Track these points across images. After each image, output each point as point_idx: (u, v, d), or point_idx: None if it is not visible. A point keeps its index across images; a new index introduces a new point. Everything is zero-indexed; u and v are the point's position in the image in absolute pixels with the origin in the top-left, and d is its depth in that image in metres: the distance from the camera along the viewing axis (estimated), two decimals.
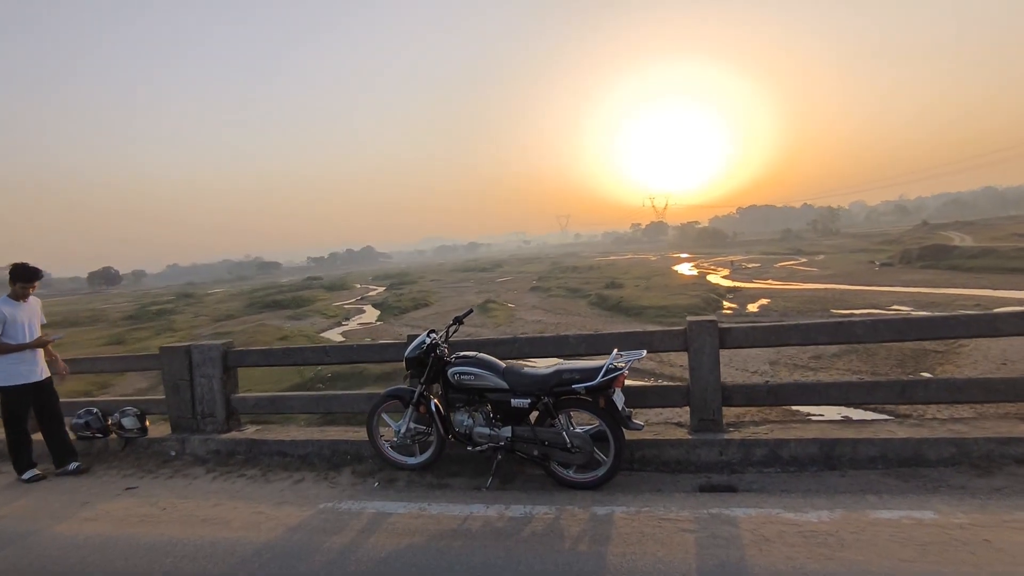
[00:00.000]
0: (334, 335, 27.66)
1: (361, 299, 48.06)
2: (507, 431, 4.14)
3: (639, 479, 4.11)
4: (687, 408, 4.53)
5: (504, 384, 4.14)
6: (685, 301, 27.07)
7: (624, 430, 3.94)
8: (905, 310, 20.27)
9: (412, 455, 4.61)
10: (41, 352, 5.20)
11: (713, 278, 40.75)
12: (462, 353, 4.38)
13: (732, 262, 51.62)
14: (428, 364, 4.33)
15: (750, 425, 4.49)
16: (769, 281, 36.48)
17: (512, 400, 4.11)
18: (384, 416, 4.66)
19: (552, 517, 3.56)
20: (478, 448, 4.21)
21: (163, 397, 5.70)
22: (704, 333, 4.35)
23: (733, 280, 38.38)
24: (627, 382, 4.03)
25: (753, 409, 6.01)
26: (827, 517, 3.23)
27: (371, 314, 36.33)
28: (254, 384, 12.51)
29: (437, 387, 4.43)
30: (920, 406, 8.11)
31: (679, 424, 4.68)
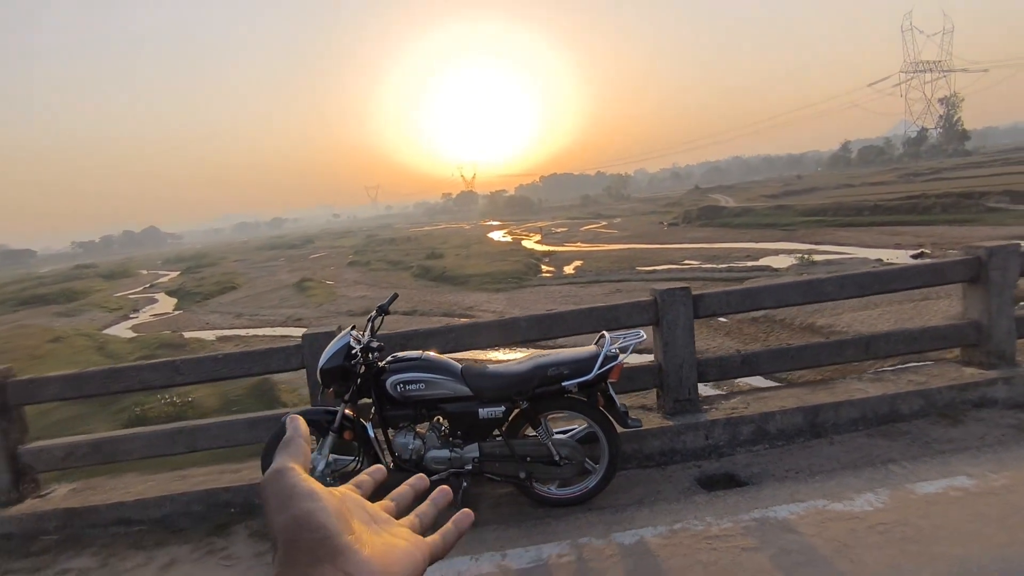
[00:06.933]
0: (122, 331, 23.29)
1: (151, 287, 41.62)
2: (473, 450, 3.20)
3: (626, 480, 3.47)
4: (651, 391, 4.00)
5: (466, 390, 3.17)
6: (508, 267, 27.24)
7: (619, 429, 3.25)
8: (694, 263, 22.51)
9: None
10: None
11: (528, 243, 41.85)
12: (401, 355, 3.28)
13: (542, 228, 53.70)
14: (357, 374, 3.17)
15: (719, 401, 4.08)
16: (578, 244, 38.29)
17: (480, 410, 3.16)
18: None
19: (573, 560, 2.74)
20: (435, 477, 3.22)
21: None
22: (677, 303, 3.80)
23: (546, 244, 39.78)
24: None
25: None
26: (876, 502, 2.87)
27: (167, 303, 31.54)
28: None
29: (365, 403, 3.29)
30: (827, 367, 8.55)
31: (645, 408, 4.12)
